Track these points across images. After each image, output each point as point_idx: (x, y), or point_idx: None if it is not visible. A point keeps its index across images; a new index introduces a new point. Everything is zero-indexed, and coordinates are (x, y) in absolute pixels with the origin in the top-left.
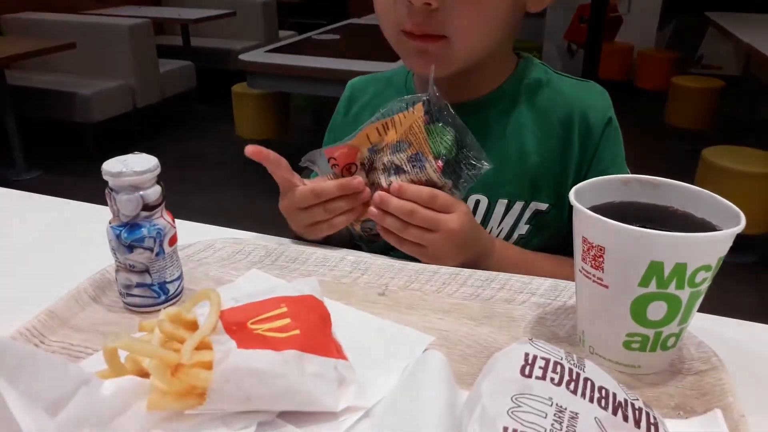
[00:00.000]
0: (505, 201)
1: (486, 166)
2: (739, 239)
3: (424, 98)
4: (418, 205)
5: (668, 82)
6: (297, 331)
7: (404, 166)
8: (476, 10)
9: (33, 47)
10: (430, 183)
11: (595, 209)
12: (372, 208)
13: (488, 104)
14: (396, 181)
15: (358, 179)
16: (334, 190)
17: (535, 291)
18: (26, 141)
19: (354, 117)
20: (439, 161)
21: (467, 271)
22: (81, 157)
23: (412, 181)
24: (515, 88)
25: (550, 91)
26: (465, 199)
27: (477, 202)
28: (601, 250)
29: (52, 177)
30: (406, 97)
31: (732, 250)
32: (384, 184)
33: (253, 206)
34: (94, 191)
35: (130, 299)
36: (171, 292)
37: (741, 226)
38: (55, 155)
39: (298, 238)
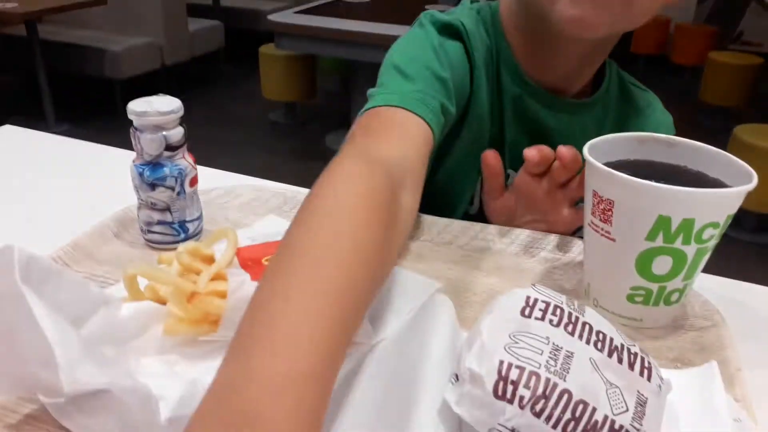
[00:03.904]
0: None
1: None
2: None
3: None
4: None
5: (705, 57)
6: None
7: None
8: None
9: (65, 2)
10: None
11: (608, 165)
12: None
13: (586, 109)
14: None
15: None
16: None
17: (546, 246)
18: (56, 95)
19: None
20: None
21: (480, 225)
22: (109, 112)
23: None
24: (606, 96)
25: (627, 105)
26: None
27: None
28: (610, 203)
29: (81, 131)
30: None
31: (762, 231)
32: None
33: (277, 166)
34: (121, 145)
35: (150, 236)
36: (190, 231)
37: (753, 184)
38: (84, 110)
39: None
